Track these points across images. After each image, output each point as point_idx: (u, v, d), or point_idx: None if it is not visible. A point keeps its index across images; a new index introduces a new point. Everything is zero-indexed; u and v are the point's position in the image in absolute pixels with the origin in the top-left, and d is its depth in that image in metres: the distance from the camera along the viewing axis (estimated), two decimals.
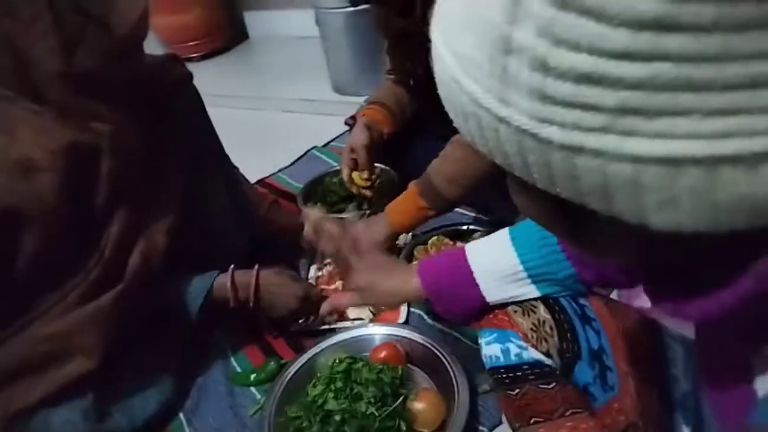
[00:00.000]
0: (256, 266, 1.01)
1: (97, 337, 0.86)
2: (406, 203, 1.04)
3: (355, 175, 1.23)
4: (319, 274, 1.21)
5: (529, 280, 0.64)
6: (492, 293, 0.65)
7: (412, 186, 1.04)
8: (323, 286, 1.16)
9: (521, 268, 0.64)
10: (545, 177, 0.28)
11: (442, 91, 0.31)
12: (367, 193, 1.24)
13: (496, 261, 0.66)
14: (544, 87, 0.25)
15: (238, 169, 1.26)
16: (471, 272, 0.66)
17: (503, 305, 0.66)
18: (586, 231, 0.33)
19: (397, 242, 1.16)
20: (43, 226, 0.82)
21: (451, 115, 0.31)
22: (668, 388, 0.60)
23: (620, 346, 0.64)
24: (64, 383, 0.85)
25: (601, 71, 0.23)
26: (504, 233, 0.67)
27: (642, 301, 0.58)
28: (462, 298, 0.66)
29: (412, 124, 1.36)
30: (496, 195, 1.22)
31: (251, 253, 1.15)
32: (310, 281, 1.17)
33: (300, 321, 1.05)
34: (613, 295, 0.95)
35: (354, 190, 1.25)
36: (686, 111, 0.23)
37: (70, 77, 0.80)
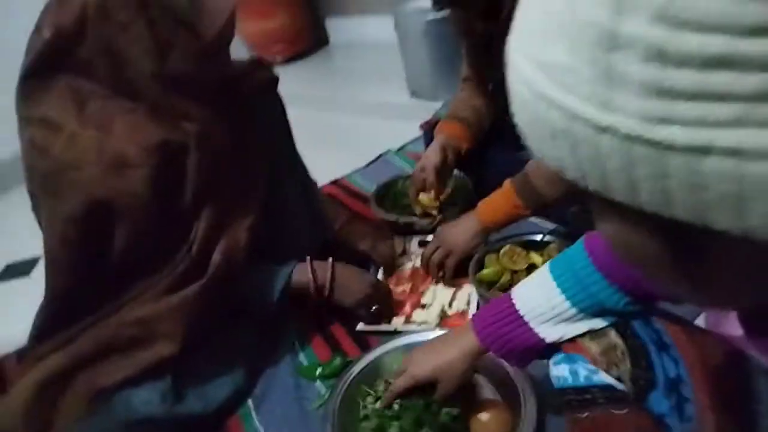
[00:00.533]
0: (330, 258, 1.06)
1: (180, 324, 0.91)
2: (501, 201, 1.04)
3: (422, 195, 1.23)
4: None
5: (582, 315, 0.62)
6: (553, 336, 0.64)
7: (508, 184, 1.03)
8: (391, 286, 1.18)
9: (571, 307, 0.62)
10: (659, 194, 0.24)
11: (522, 114, 0.28)
12: (434, 212, 1.24)
13: (545, 306, 0.64)
14: (661, 80, 0.22)
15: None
16: (526, 323, 0.65)
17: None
18: (703, 267, 0.28)
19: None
20: (135, 219, 0.88)
21: (533, 143, 0.29)
22: (752, 423, 0.56)
23: (700, 376, 0.60)
24: (147, 365, 0.90)
25: (733, 51, 0.20)
26: (544, 272, 0.66)
27: (731, 328, 0.55)
28: (525, 347, 0.66)
29: (489, 132, 1.35)
30: (575, 206, 1.18)
31: (322, 255, 1.18)
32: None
33: (372, 309, 1.07)
34: (699, 321, 0.90)
35: (417, 210, 1.26)
36: None
37: (163, 78, 0.85)
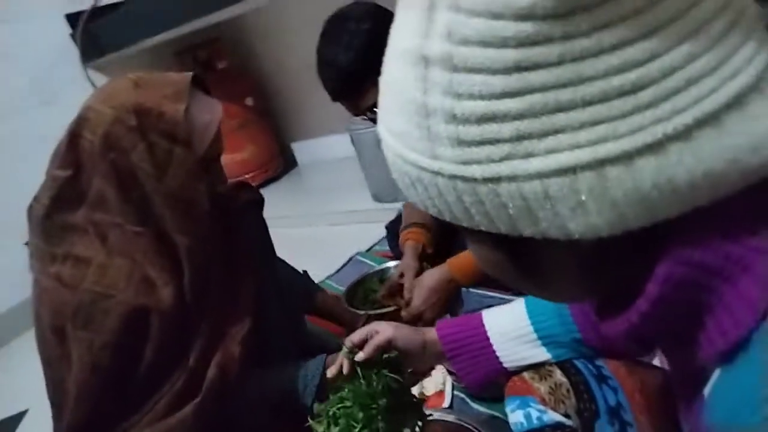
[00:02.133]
0: (324, 355, 1.05)
1: None
2: (471, 258, 1.11)
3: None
4: None
5: (539, 342, 0.68)
6: (505, 354, 0.69)
7: None
8: None
9: (531, 329, 0.69)
10: (483, 216, 0.32)
11: (393, 172, 0.37)
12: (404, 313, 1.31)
13: (509, 323, 0.70)
14: (458, 134, 0.30)
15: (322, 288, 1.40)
16: (485, 332, 0.71)
17: (520, 371, 0.70)
18: (533, 267, 0.37)
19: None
20: (162, 337, 0.90)
21: (404, 191, 0.37)
22: None
23: (638, 400, 0.66)
24: None
25: (492, 110, 0.29)
26: (521, 300, 0.73)
27: None
28: (478, 358, 0.71)
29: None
30: None
31: (305, 350, 1.22)
32: None
33: None
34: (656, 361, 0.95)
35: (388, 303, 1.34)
36: (563, 128, 0.28)
37: (164, 195, 0.90)
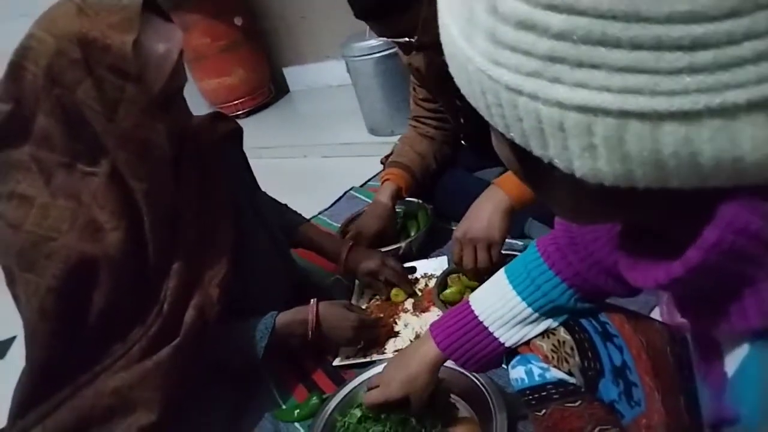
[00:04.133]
0: (314, 301, 1.06)
1: (158, 390, 0.90)
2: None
3: None
4: (367, 305, 1.25)
5: (542, 317, 0.65)
6: (514, 339, 0.66)
7: None
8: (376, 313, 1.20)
9: (530, 309, 0.65)
10: (501, 117, 0.31)
11: (443, 42, 0.34)
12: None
13: (503, 310, 0.66)
14: (495, 30, 0.28)
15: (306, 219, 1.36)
16: (486, 327, 0.67)
17: None
18: (537, 180, 0.36)
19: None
20: (111, 282, 0.88)
21: (447, 59, 0.35)
22: (693, 400, 0.59)
23: (644, 360, 0.64)
24: None
25: (533, 19, 0.26)
26: (500, 276, 0.68)
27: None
28: (485, 353, 0.68)
29: (444, 158, 1.42)
30: (534, 219, 1.23)
31: (296, 293, 1.20)
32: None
33: (358, 347, 1.10)
34: (655, 313, 0.94)
35: None
36: (600, 65, 0.26)
37: (115, 135, 0.85)
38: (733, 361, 0.34)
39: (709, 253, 0.30)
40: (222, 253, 1.02)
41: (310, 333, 1.04)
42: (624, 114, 0.26)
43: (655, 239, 0.37)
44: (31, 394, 0.91)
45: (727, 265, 0.30)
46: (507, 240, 1.07)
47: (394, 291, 1.20)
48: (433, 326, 0.73)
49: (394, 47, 1.67)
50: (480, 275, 1.02)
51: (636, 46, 0.25)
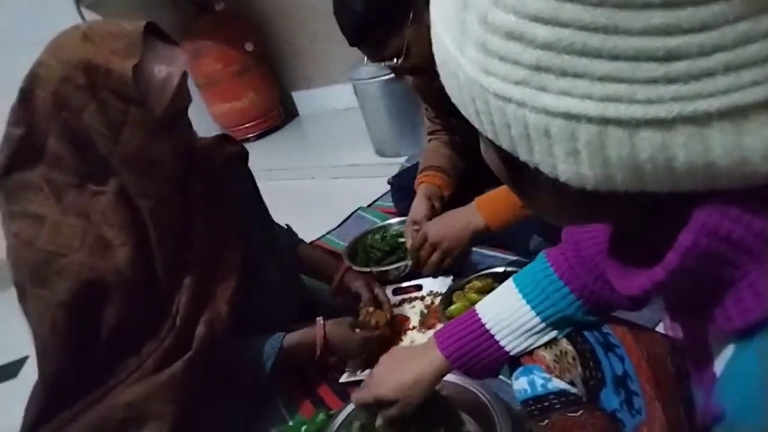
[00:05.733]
0: (320, 320, 1.08)
1: (170, 403, 0.91)
2: (505, 200, 1.05)
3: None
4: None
5: (549, 328, 0.66)
6: (519, 348, 0.66)
7: None
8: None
9: (538, 318, 0.65)
10: (490, 124, 0.32)
11: (434, 50, 0.36)
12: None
13: (511, 318, 0.66)
14: (485, 40, 0.30)
15: (303, 240, 1.36)
16: (492, 335, 0.67)
17: None
18: (523, 185, 0.38)
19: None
20: (122, 298, 0.90)
21: (438, 68, 0.36)
22: (692, 410, 0.60)
23: (645, 370, 0.65)
24: None
25: (520, 30, 0.28)
26: (510, 285, 0.69)
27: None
28: (490, 360, 0.68)
29: (462, 177, 1.41)
30: (539, 236, 1.24)
31: (304, 312, 1.22)
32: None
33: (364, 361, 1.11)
34: (659, 327, 0.94)
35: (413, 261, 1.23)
36: (583, 74, 0.27)
37: (121, 156, 0.87)
38: (721, 362, 0.35)
39: (686, 256, 0.31)
40: (231, 270, 1.04)
41: (318, 352, 1.05)
42: (605, 121, 0.27)
43: (638, 247, 0.38)
44: (44, 409, 0.93)
45: (705, 268, 0.31)
46: (498, 252, 1.21)
47: (372, 311, 1.18)
48: (439, 335, 0.73)
49: None
50: (419, 268, 1.18)
51: (615, 56, 0.26)
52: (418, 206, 1.25)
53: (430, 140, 1.45)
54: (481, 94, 0.31)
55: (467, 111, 0.34)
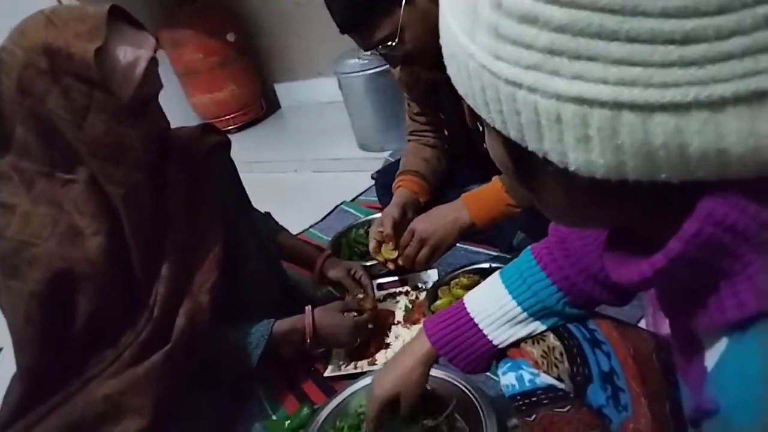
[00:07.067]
0: (308, 308, 1.07)
1: (148, 396, 0.90)
2: (491, 197, 1.06)
3: (383, 247, 1.23)
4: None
5: (531, 318, 0.66)
6: (502, 338, 0.67)
7: (497, 181, 1.06)
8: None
9: (519, 309, 0.66)
10: (498, 113, 0.31)
11: (443, 42, 0.35)
12: (391, 266, 1.22)
13: (495, 308, 0.68)
14: (498, 24, 0.29)
15: (284, 228, 1.35)
16: (476, 324, 0.68)
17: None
18: (529, 177, 0.37)
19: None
20: (95, 287, 0.88)
21: (445, 60, 0.36)
22: (677, 406, 0.60)
23: (631, 366, 0.65)
24: None
25: (536, 12, 0.28)
26: (495, 278, 0.70)
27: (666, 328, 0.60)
28: (475, 350, 0.69)
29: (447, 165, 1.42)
30: (523, 233, 1.25)
31: (287, 302, 1.21)
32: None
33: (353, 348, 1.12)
34: (642, 323, 0.96)
35: (380, 258, 1.22)
36: (597, 57, 0.27)
37: (87, 143, 0.85)
38: (713, 355, 0.35)
39: (689, 244, 0.31)
40: (212, 260, 1.03)
41: (308, 340, 1.05)
42: (618, 105, 0.27)
43: (639, 239, 0.38)
44: (22, 402, 0.91)
45: (706, 257, 0.31)
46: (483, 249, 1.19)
47: (359, 297, 1.20)
48: (427, 323, 0.74)
49: (385, 64, 1.69)
50: (411, 265, 1.16)
51: (631, 39, 0.26)
52: (391, 210, 1.24)
53: (409, 141, 1.45)
54: (491, 82, 0.31)
55: (475, 101, 0.33)
